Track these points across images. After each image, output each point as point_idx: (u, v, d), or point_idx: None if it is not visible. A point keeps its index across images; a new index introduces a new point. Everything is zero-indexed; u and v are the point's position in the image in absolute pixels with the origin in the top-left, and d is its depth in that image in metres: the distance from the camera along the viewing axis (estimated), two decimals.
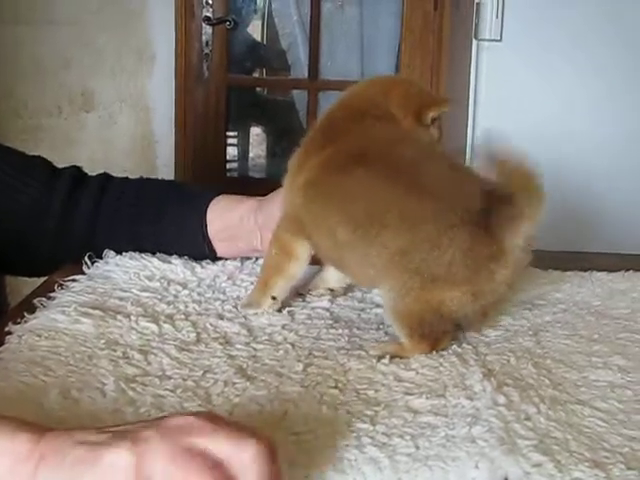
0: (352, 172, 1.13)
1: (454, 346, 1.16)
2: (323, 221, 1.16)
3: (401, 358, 1.11)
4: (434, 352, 1.13)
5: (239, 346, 1.13)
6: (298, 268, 1.23)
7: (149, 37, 3.29)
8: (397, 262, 1.10)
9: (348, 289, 1.33)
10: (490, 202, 1.10)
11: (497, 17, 2.99)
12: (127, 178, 1.45)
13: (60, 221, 1.38)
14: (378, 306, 1.27)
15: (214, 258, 1.41)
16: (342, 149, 1.16)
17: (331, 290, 1.32)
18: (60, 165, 1.43)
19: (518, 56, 2.97)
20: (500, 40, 3.00)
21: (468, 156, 3.11)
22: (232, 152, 3.92)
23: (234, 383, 1.02)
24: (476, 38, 3.06)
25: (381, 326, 1.23)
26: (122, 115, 3.26)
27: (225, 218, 1.38)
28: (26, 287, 1.58)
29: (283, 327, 1.20)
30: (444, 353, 1.14)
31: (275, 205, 1.29)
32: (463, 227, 1.09)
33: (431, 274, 1.10)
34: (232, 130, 3.85)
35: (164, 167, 3.30)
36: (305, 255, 1.23)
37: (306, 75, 3.55)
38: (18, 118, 3.08)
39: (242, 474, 0.73)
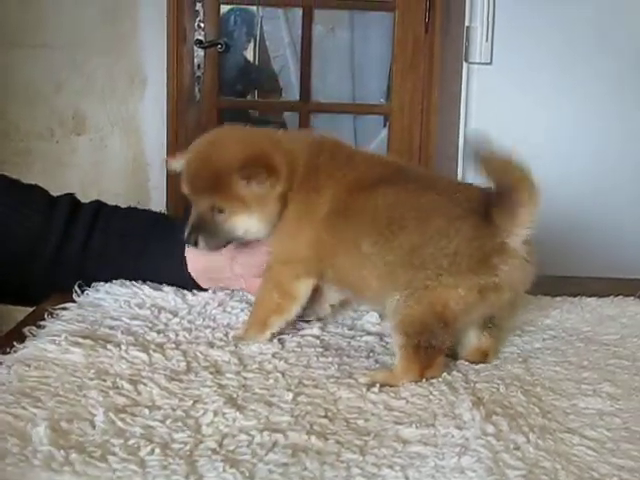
0: (375, 190, 1.19)
1: (444, 374, 1.16)
2: (349, 240, 1.19)
3: (391, 386, 1.11)
4: (423, 380, 1.14)
5: (229, 375, 1.13)
6: (299, 307, 1.28)
7: (140, 60, 3.30)
8: (407, 261, 1.14)
9: (336, 311, 1.36)
10: (489, 198, 1.15)
11: (487, 40, 3.00)
12: (117, 208, 1.46)
13: (55, 251, 1.39)
14: (369, 334, 1.27)
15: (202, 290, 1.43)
16: (359, 177, 1.22)
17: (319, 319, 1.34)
18: (52, 189, 1.44)
19: (508, 78, 2.98)
20: (490, 63, 3.02)
21: (460, 176, 3.13)
22: None
23: (224, 413, 1.02)
24: (466, 61, 3.07)
25: (371, 354, 1.23)
26: (113, 138, 3.27)
27: (204, 260, 1.39)
28: (18, 313, 1.59)
29: (273, 355, 1.20)
30: (434, 381, 1.14)
31: (255, 257, 1.33)
32: (467, 219, 1.14)
33: (437, 266, 1.12)
34: None
35: (155, 190, 3.31)
36: (307, 294, 1.27)
37: (298, 97, 3.56)
38: (10, 141, 3.08)
39: None
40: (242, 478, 0.87)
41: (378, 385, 1.11)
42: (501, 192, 1.13)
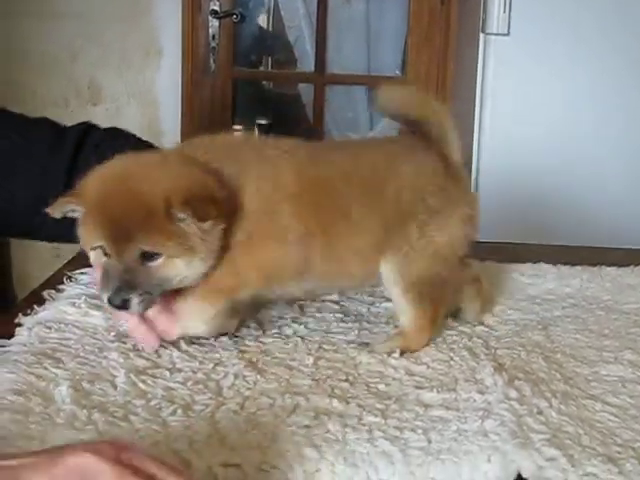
0: (332, 163, 1.14)
1: (464, 340, 1.16)
2: (335, 215, 1.11)
3: (411, 352, 1.11)
4: (438, 344, 1.13)
5: (249, 339, 1.13)
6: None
7: (156, 30, 3.28)
8: (397, 216, 1.12)
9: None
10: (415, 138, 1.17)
11: (504, 11, 2.97)
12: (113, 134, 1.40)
13: (64, 182, 1.34)
14: (388, 300, 1.26)
15: None
16: (307, 159, 1.13)
17: None
18: None
19: (526, 50, 2.95)
20: (508, 34, 2.98)
21: (475, 149, 3.12)
22: None
23: (244, 376, 1.02)
24: (483, 32, 3.03)
25: (390, 320, 1.22)
26: (129, 108, 3.25)
27: None
28: (32, 280, 1.58)
29: (293, 320, 1.20)
30: (454, 347, 1.14)
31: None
32: (425, 161, 1.16)
33: (424, 211, 1.12)
34: (238, 123, 3.84)
35: None
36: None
37: (313, 69, 3.54)
38: (26, 110, 3.07)
39: None
40: (265, 440, 0.87)
41: (398, 351, 1.11)
42: (424, 126, 1.16)
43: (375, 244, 1.12)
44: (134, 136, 1.37)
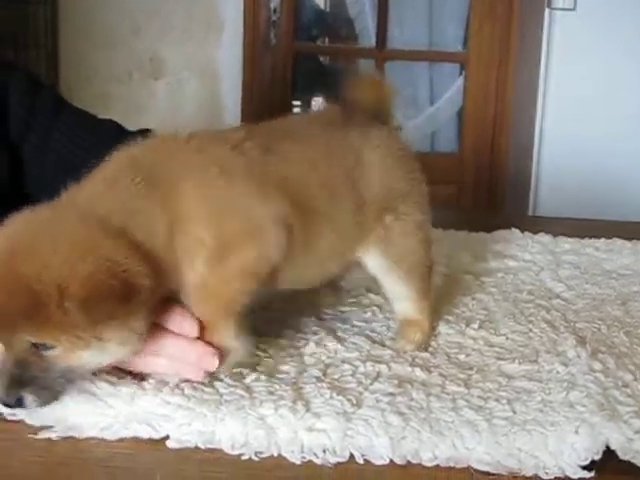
0: (285, 155, 0.98)
1: (542, 312, 1.15)
2: (306, 209, 0.97)
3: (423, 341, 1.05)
4: (515, 316, 1.12)
5: (328, 308, 1.13)
6: None
7: (217, 4, 3.28)
8: (372, 200, 1.03)
9: None
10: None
11: None
12: None
13: None
14: (467, 273, 1.26)
15: None
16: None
17: None
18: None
19: (592, 25, 2.90)
20: (574, 9, 2.94)
21: (538, 127, 3.08)
22: None
23: (325, 344, 1.02)
24: (549, 7, 2.99)
25: (467, 291, 1.22)
26: (190, 82, 3.26)
27: None
28: None
29: (367, 290, 1.19)
30: (532, 319, 1.13)
31: None
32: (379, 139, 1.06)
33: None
34: (297, 99, 3.83)
35: None
36: None
37: (373, 44, 3.52)
38: (89, 85, 3.10)
39: None
40: (350, 405, 0.88)
41: (478, 323, 1.10)
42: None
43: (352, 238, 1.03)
44: None
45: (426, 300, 1.08)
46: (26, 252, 0.81)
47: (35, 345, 0.81)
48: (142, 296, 0.81)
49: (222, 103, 3.33)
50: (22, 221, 0.85)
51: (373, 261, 1.05)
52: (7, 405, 0.83)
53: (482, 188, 3.49)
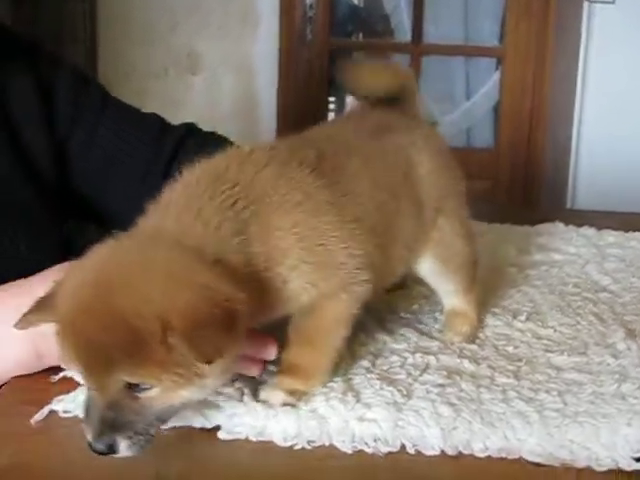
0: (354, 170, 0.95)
1: (589, 305, 1.15)
2: (384, 212, 0.96)
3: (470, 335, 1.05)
4: (563, 309, 1.12)
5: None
6: None
7: (254, 0, 3.29)
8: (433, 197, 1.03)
9: None
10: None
11: None
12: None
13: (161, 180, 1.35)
14: (512, 265, 1.25)
15: None
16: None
17: None
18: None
19: (632, 18, 2.88)
20: (613, 2, 2.91)
21: (577, 122, 3.05)
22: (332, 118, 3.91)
23: (374, 336, 1.02)
24: (588, 0, 2.97)
25: (512, 283, 1.21)
26: (226, 78, 3.27)
27: None
28: None
29: (414, 281, 1.19)
30: (580, 312, 1.12)
31: None
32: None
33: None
34: (333, 95, 3.83)
35: (266, 129, 3.31)
36: None
37: (409, 39, 3.51)
38: (127, 81, 3.12)
39: None
40: (400, 396, 0.88)
41: (525, 315, 1.10)
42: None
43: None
44: (231, 144, 1.37)
45: (472, 293, 1.08)
46: (120, 285, 0.75)
47: (130, 386, 0.75)
48: (243, 324, 0.77)
49: (258, 98, 3.34)
50: (108, 252, 0.80)
51: (423, 263, 1.04)
52: (98, 453, 0.76)
53: (518, 184, 3.47)
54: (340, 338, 0.90)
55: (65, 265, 0.91)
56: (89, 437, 0.75)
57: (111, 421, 0.75)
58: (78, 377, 0.82)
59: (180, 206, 0.84)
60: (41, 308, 0.80)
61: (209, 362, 0.74)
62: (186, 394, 0.77)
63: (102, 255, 0.80)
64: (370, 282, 0.90)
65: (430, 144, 1.05)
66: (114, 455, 0.76)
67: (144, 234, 0.83)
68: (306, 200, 0.86)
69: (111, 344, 0.73)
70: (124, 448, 0.76)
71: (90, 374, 0.76)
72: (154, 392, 0.76)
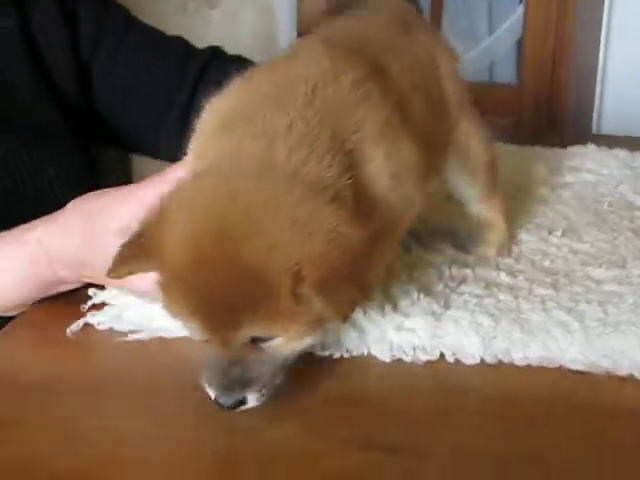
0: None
1: (625, 222, 1.13)
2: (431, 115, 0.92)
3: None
4: (598, 225, 1.10)
5: None
6: None
7: None
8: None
9: None
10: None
11: None
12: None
13: (186, 104, 1.33)
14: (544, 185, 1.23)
15: None
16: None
17: None
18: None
19: None
20: None
21: (602, 60, 3.00)
22: None
23: (410, 249, 1.01)
24: None
25: (545, 203, 1.20)
26: (245, 12, 3.23)
27: None
28: None
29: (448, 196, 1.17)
30: (616, 228, 1.11)
31: None
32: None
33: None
34: None
35: None
36: None
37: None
38: (144, 17, 3.08)
39: None
40: (438, 306, 0.86)
41: (560, 231, 1.08)
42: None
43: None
44: None
45: (495, 198, 1.05)
46: (244, 235, 0.68)
47: (254, 339, 0.71)
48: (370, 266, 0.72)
49: (277, 35, 3.30)
50: (218, 190, 0.71)
51: (446, 169, 1.00)
52: (228, 409, 0.72)
53: (541, 121, 3.42)
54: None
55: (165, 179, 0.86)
56: (213, 393, 0.72)
57: (239, 377, 0.72)
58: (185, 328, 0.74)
59: (287, 138, 0.74)
60: (136, 254, 0.73)
61: (345, 318, 0.70)
62: (310, 340, 0.73)
63: (212, 194, 0.71)
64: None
65: (447, 46, 1.03)
66: (243, 406, 0.72)
67: (247, 173, 0.72)
68: (388, 130, 0.80)
69: (238, 300, 0.68)
70: (253, 400, 0.72)
71: (213, 330, 0.70)
72: (278, 341, 0.71)
